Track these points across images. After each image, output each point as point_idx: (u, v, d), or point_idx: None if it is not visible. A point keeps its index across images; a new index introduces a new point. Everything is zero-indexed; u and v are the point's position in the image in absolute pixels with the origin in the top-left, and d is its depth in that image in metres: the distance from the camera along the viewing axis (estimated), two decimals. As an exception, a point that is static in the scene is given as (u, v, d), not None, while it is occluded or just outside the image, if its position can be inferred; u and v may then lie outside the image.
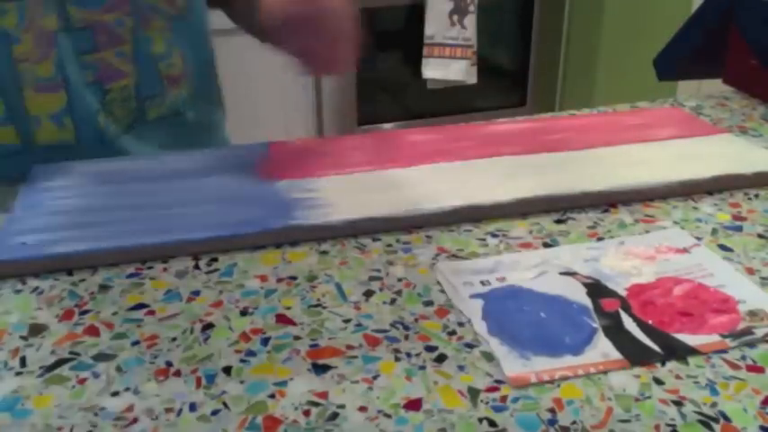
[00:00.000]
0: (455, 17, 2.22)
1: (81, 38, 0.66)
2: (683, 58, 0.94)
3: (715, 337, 0.44)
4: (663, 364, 0.42)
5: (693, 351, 0.43)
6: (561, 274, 0.50)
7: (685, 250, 0.53)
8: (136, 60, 0.70)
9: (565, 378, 0.41)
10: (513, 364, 0.41)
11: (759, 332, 0.44)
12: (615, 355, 0.42)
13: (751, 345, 0.43)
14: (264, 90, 2.10)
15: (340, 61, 0.64)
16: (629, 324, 0.45)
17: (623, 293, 0.48)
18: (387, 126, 2.35)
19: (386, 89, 2.37)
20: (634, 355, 0.42)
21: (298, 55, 0.63)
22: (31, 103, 0.65)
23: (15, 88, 0.64)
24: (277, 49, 0.66)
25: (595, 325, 0.45)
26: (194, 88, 0.77)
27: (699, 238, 0.55)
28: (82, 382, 0.41)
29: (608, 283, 0.49)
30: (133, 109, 0.71)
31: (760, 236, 0.55)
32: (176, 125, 0.76)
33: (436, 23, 2.22)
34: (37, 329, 0.45)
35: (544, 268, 0.51)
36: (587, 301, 0.47)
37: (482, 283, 0.49)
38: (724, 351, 0.43)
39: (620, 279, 0.50)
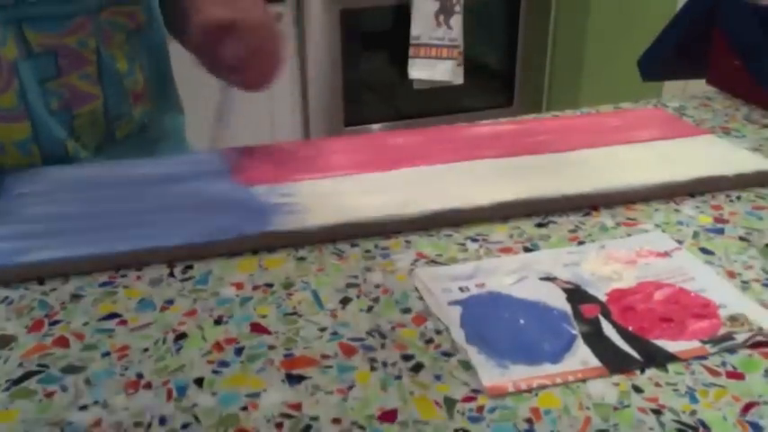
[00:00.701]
0: (441, 17, 2.21)
1: (43, 64, 0.63)
2: (667, 59, 0.94)
3: (695, 344, 0.43)
4: (642, 371, 0.41)
5: (673, 358, 0.42)
6: (541, 279, 0.49)
7: (666, 254, 0.53)
8: (101, 81, 0.67)
9: (543, 387, 0.40)
10: (490, 374, 0.41)
11: (739, 338, 0.44)
12: (594, 362, 0.42)
13: (731, 351, 0.43)
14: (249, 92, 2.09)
15: (267, 74, 0.65)
16: (608, 331, 0.45)
17: (603, 299, 0.48)
18: (374, 127, 2.34)
19: (372, 90, 2.36)
20: (613, 362, 0.42)
21: (229, 68, 0.63)
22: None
23: None
24: (205, 64, 0.65)
25: (575, 332, 0.44)
26: (155, 100, 0.76)
27: (680, 242, 0.54)
28: (49, 395, 0.40)
29: (588, 288, 0.49)
30: (102, 131, 0.69)
31: (741, 239, 0.55)
32: (143, 140, 0.74)
33: (422, 24, 2.21)
34: (5, 341, 0.44)
35: (524, 273, 0.50)
36: (567, 307, 0.46)
37: (461, 289, 0.48)
38: (704, 357, 0.42)
39: (601, 284, 0.49)
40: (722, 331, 0.44)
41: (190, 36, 0.62)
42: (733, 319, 0.46)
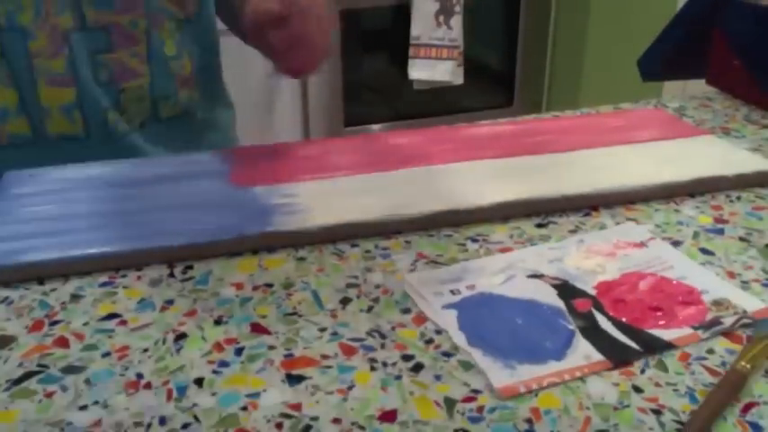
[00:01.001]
0: (441, 18, 2.21)
1: (96, 38, 0.67)
2: (667, 59, 0.94)
3: (687, 330, 0.44)
4: (642, 372, 0.41)
5: (670, 346, 0.43)
6: (529, 276, 0.50)
7: (642, 244, 0.54)
8: (149, 61, 0.71)
9: (553, 384, 0.40)
10: (499, 376, 0.41)
11: (727, 321, 0.45)
12: (597, 356, 0.42)
13: (722, 334, 0.44)
14: (249, 92, 2.09)
15: (309, 61, 0.65)
16: (604, 324, 0.45)
17: (592, 292, 0.48)
18: (374, 127, 2.34)
19: (372, 90, 2.36)
20: (615, 355, 0.42)
21: (276, 54, 0.63)
22: (43, 94, 0.67)
23: (29, 81, 0.66)
24: (258, 48, 0.68)
25: (572, 327, 0.45)
26: (203, 89, 0.78)
27: (680, 242, 0.54)
28: (49, 395, 0.40)
29: (576, 282, 0.49)
30: (147, 108, 0.72)
31: (741, 239, 0.55)
32: (187, 125, 0.77)
33: (422, 24, 2.21)
34: (5, 341, 0.44)
35: (511, 272, 0.50)
36: (560, 303, 0.47)
37: (452, 292, 0.48)
38: (701, 351, 0.42)
39: (587, 278, 0.50)
40: (710, 316, 0.45)
41: (241, 26, 0.63)
42: (718, 303, 0.47)
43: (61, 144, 0.69)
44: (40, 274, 0.50)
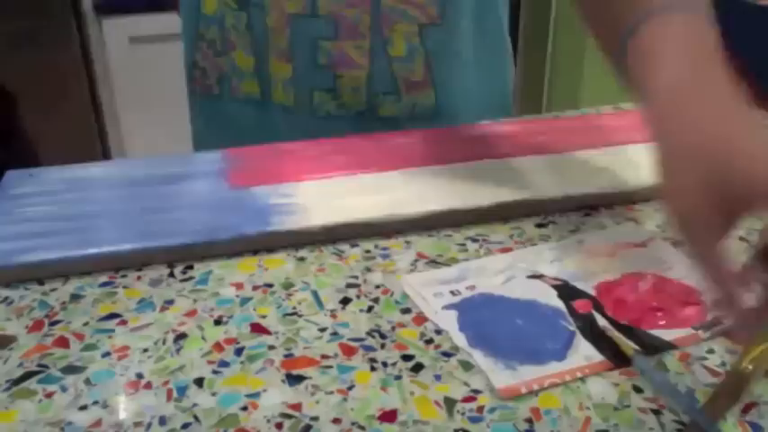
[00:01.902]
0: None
1: (322, 24, 0.71)
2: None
3: (688, 330, 0.44)
4: (643, 371, 0.41)
5: (671, 346, 0.43)
6: (529, 277, 0.50)
7: (643, 244, 0.54)
8: (372, 56, 0.72)
9: (554, 385, 0.40)
10: (501, 376, 0.41)
11: (727, 321, 0.44)
12: (598, 357, 0.42)
13: (722, 334, 0.44)
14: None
15: None
16: (604, 325, 0.45)
17: (593, 293, 0.48)
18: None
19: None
20: (616, 355, 0.42)
21: None
22: (272, 66, 0.73)
23: (264, 51, 0.72)
24: None
25: (572, 328, 0.45)
26: (442, 100, 0.76)
27: (680, 242, 0.54)
28: (49, 395, 0.40)
29: (576, 283, 0.49)
30: (363, 100, 0.74)
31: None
32: (410, 128, 0.75)
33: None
34: (5, 341, 0.44)
35: (511, 273, 0.50)
36: (560, 304, 0.47)
37: (452, 293, 0.48)
38: (701, 351, 0.42)
39: (588, 278, 0.50)
40: (710, 316, 0.45)
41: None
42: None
43: (278, 112, 0.75)
44: (40, 274, 0.50)
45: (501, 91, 0.83)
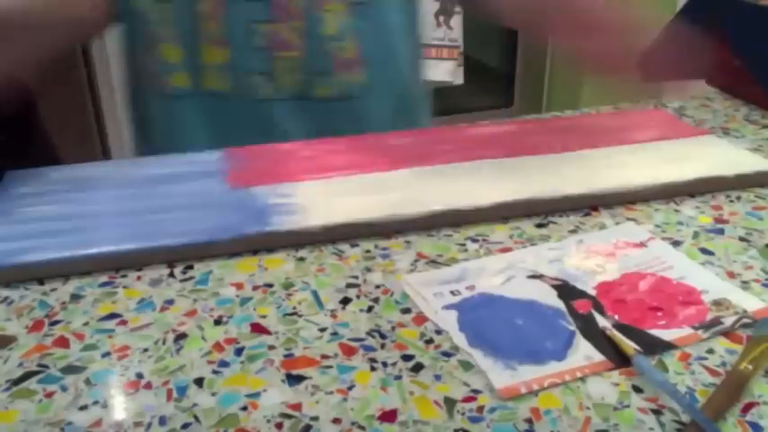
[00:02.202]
0: (441, 18, 2.21)
1: (256, 8, 0.72)
2: (667, 59, 0.94)
3: (687, 330, 0.44)
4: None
5: (671, 346, 0.43)
6: (529, 277, 0.50)
7: (642, 244, 0.54)
8: (306, 36, 0.73)
9: (554, 385, 0.40)
10: (500, 376, 0.41)
11: (727, 321, 0.45)
12: (598, 357, 0.42)
13: (722, 334, 0.44)
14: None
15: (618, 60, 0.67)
16: (604, 325, 0.45)
17: (592, 293, 0.48)
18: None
19: (372, 90, 2.36)
20: (615, 355, 0.42)
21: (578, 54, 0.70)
22: (204, 52, 0.73)
23: (194, 40, 0.73)
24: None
25: (572, 328, 0.45)
26: (373, 77, 0.77)
27: (680, 242, 0.54)
28: (49, 395, 0.40)
29: (576, 283, 0.49)
30: (300, 81, 0.75)
31: (741, 239, 0.55)
32: (343, 110, 0.77)
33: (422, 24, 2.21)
34: (5, 341, 0.44)
35: (511, 273, 0.50)
36: (560, 304, 0.47)
37: (452, 293, 0.48)
38: (701, 351, 0.42)
39: (587, 278, 0.50)
40: (710, 316, 0.46)
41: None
42: (718, 303, 0.47)
43: (212, 100, 0.75)
44: (39, 274, 0.50)
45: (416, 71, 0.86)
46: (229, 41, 0.73)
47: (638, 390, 0.40)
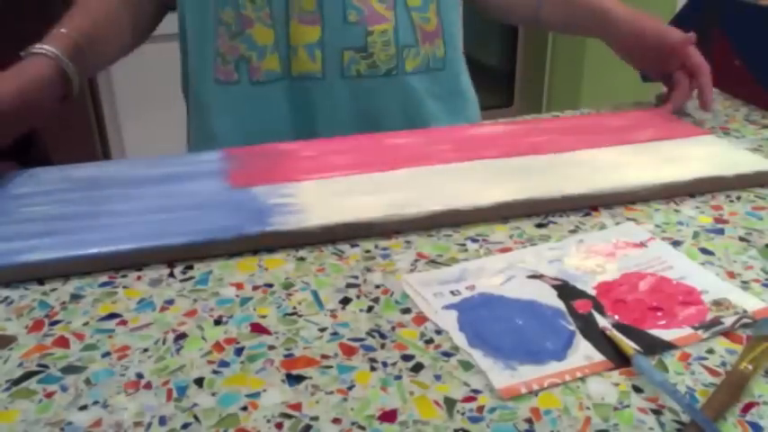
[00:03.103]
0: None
1: None
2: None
3: (687, 330, 0.44)
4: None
5: (671, 346, 0.43)
6: (529, 277, 0.50)
7: (642, 244, 0.54)
8: (395, 8, 0.74)
9: (554, 385, 0.40)
10: (500, 376, 0.41)
11: (727, 321, 0.45)
12: (598, 357, 0.42)
13: (722, 334, 0.44)
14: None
15: None
16: (604, 325, 0.45)
17: (592, 293, 0.48)
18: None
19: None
20: (615, 355, 0.42)
21: None
22: (293, 33, 0.72)
23: (285, 19, 0.72)
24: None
25: (572, 328, 0.45)
26: (447, 49, 0.81)
27: (680, 242, 0.54)
28: (49, 395, 0.40)
29: (576, 283, 0.49)
30: (393, 55, 0.76)
31: (741, 239, 0.55)
32: (428, 81, 0.80)
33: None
34: (5, 341, 0.44)
35: (511, 273, 0.50)
36: (560, 304, 0.47)
37: (452, 292, 0.48)
38: (701, 351, 0.42)
39: (587, 278, 0.50)
40: (710, 316, 0.46)
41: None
42: (718, 303, 0.47)
43: (303, 82, 0.74)
44: (39, 274, 0.50)
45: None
46: (321, 18, 0.72)
47: (638, 390, 0.40)
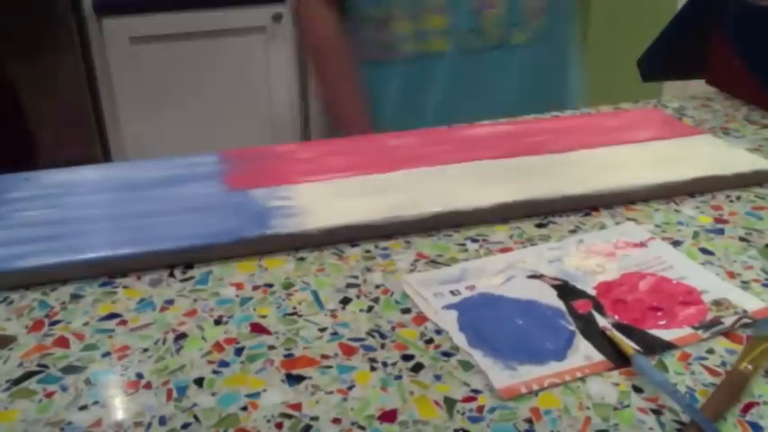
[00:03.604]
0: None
1: None
2: (667, 59, 0.94)
3: (687, 330, 0.44)
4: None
5: (671, 346, 0.43)
6: (529, 277, 0.50)
7: (642, 244, 0.54)
8: None
9: (554, 385, 0.40)
10: (500, 376, 0.41)
11: (727, 321, 0.45)
12: (598, 357, 0.42)
13: (722, 334, 0.44)
14: (250, 92, 2.09)
15: None
16: (604, 325, 0.45)
17: (592, 293, 0.48)
18: (374, 127, 2.33)
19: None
20: (615, 355, 0.42)
21: None
22: (427, 23, 0.90)
23: (421, 12, 0.90)
24: None
25: (572, 328, 0.45)
26: (550, 23, 0.94)
27: (680, 242, 0.54)
28: (49, 395, 0.40)
29: (576, 283, 0.49)
30: (501, 32, 0.92)
31: (741, 239, 0.55)
32: (534, 53, 0.94)
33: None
34: (5, 341, 0.44)
35: (511, 273, 0.50)
36: (560, 304, 0.47)
37: (452, 292, 0.48)
38: (701, 351, 0.42)
39: (587, 278, 0.50)
40: (710, 316, 0.46)
41: None
42: (718, 303, 0.47)
43: (435, 59, 0.92)
44: (37, 279, 0.50)
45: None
46: (449, 9, 0.90)
47: (638, 390, 0.40)
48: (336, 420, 0.38)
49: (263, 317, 0.46)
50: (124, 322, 0.46)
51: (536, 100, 0.91)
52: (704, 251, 0.53)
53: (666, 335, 0.44)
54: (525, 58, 0.94)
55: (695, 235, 0.56)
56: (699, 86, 0.90)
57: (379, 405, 0.39)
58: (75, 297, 0.48)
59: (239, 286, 0.49)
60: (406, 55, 0.92)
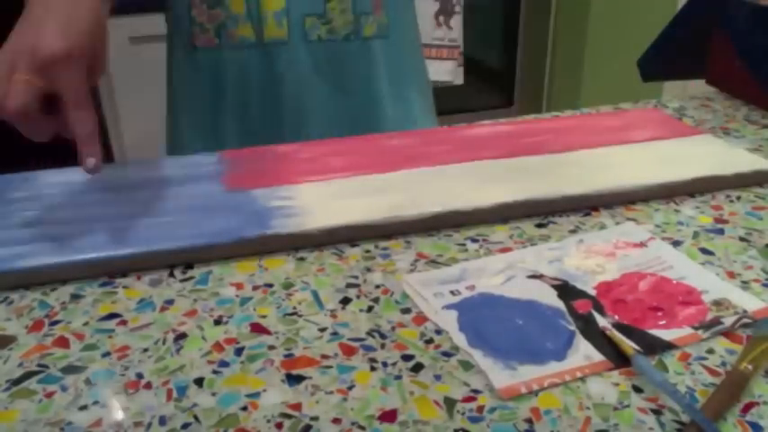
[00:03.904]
0: (441, 18, 2.21)
1: None
2: (667, 59, 0.94)
3: (687, 330, 0.44)
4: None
5: (671, 346, 0.43)
6: (529, 277, 0.50)
7: (642, 244, 0.54)
8: None
9: (554, 385, 0.40)
10: (500, 376, 0.41)
11: (727, 321, 0.45)
12: (598, 357, 0.42)
13: (722, 334, 0.44)
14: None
15: None
16: (604, 325, 0.45)
17: (592, 293, 0.48)
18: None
19: (372, 90, 2.36)
20: (615, 355, 0.42)
21: None
22: (263, 2, 0.78)
23: None
24: None
25: (572, 328, 0.45)
26: (392, 16, 0.86)
27: (680, 242, 0.54)
28: (49, 395, 0.40)
29: (576, 283, 0.49)
30: (350, 21, 0.82)
31: (741, 239, 0.55)
32: (384, 47, 0.86)
33: (422, 24, 2.21)
34: (5, 341, 0.44)
35: (511, 272, 0.50)
36: (560, 304, 0.47)
37: (452, 292, 0.48)
38: (701, 351, 0.42)
39: (587, 278, 0.50)
40: (710, 316, 0.46)
41: None
42: (718, 303, 0.47)
43: (274, 48, 0.80)
44: (37, 279, 0.50)
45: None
46: None
47: (638, 390, 0.40)
48: (336, 420, 0.38)
49: (263, 317, 0.46)
50: (124, 322, 0.46)
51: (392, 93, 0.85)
52: (704, 251, 0.53)
53: (666, 335, 0.44)
54: (376, 50, 0.85)
55: (695, 235, 0.56)
56: (699, 86, 0.90)
57: (379, 405, 0.39)
58: (75, 297, 0.48)
59: (239, 286, 0.49)
60: (241, 39, 0.81)
